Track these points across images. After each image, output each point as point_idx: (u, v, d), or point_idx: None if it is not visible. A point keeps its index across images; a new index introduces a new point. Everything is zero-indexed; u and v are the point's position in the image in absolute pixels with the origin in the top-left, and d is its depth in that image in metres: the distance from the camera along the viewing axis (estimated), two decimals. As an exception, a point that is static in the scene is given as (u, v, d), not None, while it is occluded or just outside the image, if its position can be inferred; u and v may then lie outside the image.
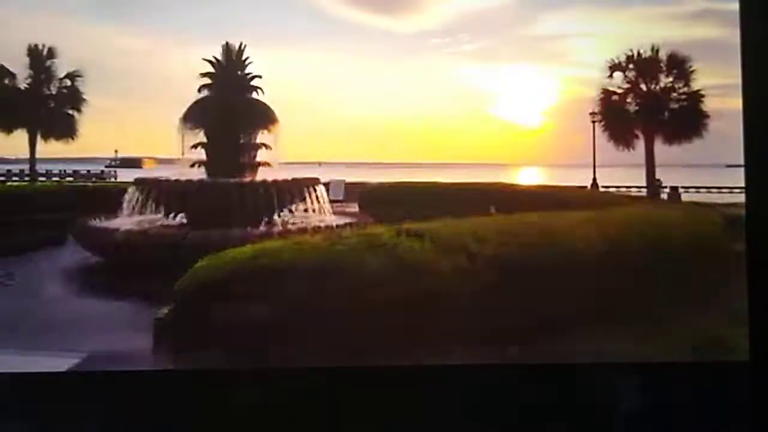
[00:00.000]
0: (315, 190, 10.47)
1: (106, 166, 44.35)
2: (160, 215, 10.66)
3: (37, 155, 20.96)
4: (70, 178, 34.38)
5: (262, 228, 9.38)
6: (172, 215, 10.35)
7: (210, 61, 11.16)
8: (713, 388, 2.97)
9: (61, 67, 22.49)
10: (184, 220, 10.36)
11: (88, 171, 36.82)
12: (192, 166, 10.96)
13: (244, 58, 11.15)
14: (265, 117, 11.09)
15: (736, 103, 2.55)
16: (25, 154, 22.80)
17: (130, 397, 3.11)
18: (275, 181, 10.17)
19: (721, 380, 3.01)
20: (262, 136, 11.25)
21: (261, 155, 11.45)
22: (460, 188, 13.73)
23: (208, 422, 3.07)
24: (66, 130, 18.32)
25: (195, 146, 10.93)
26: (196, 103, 10.98)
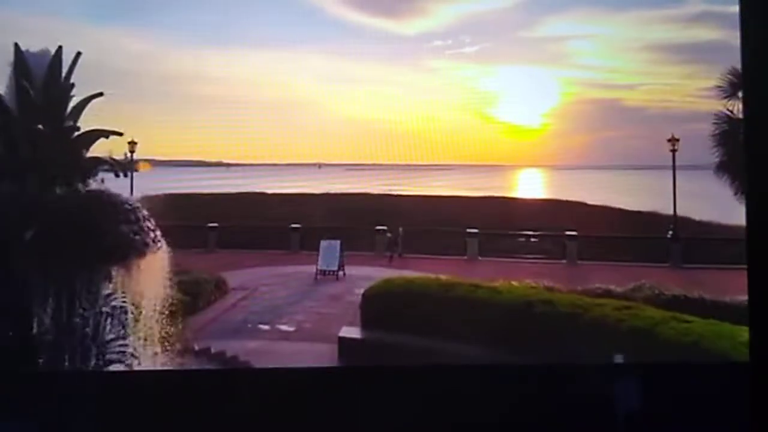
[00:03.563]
0: None
1: (100, 169, 42.63)
2: None
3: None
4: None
5: None
6: None
7: None
8: (713, 388, 2.97)
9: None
10: None
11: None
12: None
13: (71, 82, 4.87)
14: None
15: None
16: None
17: (130, 397, 3.11)
18: None
19: (721, 380, 3.02)
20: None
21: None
22: (497, 294, 8.50)
23: (207, 422, 3.06)
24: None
25: None
26: None
